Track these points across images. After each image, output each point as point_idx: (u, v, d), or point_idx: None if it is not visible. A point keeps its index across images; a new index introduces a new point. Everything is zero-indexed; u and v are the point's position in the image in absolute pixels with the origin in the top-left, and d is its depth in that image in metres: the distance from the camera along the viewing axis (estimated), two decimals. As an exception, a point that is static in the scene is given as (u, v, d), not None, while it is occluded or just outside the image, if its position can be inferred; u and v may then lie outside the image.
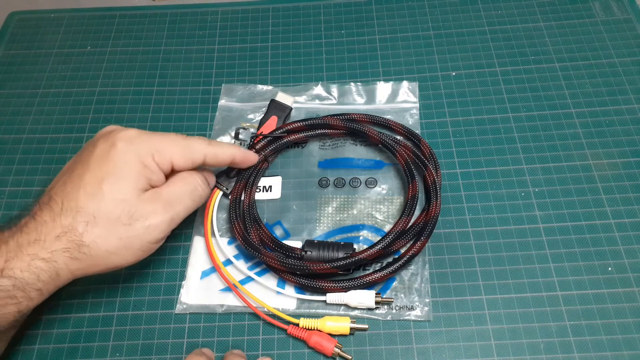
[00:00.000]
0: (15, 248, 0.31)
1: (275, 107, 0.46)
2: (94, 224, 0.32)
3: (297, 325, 0.36)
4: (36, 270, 0.31)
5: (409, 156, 0.41)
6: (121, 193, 0.33)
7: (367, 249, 0.36)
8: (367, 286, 0.37)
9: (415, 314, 0.37)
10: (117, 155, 0.34)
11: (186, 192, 0.36)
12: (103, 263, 0.33)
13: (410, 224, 0.38)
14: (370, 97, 0.47)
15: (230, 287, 0.38)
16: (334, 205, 0.42)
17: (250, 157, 0.41)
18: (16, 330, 0.36)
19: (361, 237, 0.40)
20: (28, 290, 0.31)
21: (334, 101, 0.47)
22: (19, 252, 0.31)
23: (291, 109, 0.46)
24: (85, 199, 0.32)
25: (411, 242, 0.38)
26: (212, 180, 0.40)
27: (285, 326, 0.36)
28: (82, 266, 0.32)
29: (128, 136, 0.35)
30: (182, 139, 0.36)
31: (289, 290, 0.38)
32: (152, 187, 0.35)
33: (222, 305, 0.38)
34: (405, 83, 0.48)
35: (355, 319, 0.36)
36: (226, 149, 0.38)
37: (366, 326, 0.36)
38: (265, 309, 0.37)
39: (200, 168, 0.38)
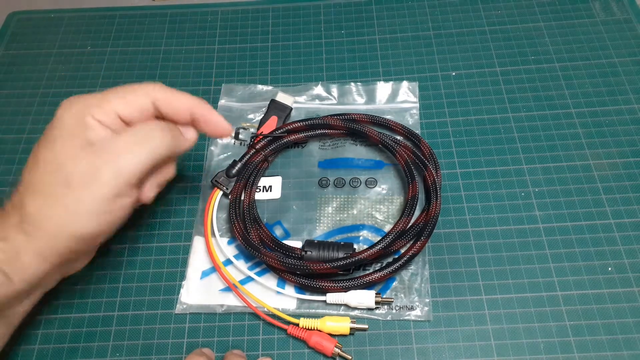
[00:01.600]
0: None
1: (275, 107, 0.46)
2: (34, 193, 0.30)
3: (297, 325, 0.36)
4: None
5: (409, 156, 0.41)
6: (54, 156, 0.31)
7: (367, 249, 0.36)
8: (367, 286, 0.37)
9: (415, 314, 0.37)
10: (55, 121, 0.32)
11: (134, 139, 0.32)
12: (60, 235, 0.30)
13: (410, 224, 0.38)
14: (370, 97, 0.47)
15: (230, 287, 0.38)
16: (334, 205, 0.42)
17: (213, 119, 0.35)
18: (11, 330, 0.34)
19: (361, 237, 0.40)
20: None
21: (334, 101, 0.47)
22: None
23: (291, 109, 0.46)
24: (27, 171, 0.32)
25: (411, 242, 0.38)
26: (189, 132, 0.35)
27: (285, 326, 0.36)
28: (40, 243, 0.30)
29: (67, 102, 0.32)
30: (128, 87, 0.33)
31: (289, 290, 0.38)
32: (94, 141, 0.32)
33: (222, 305, 0.38)
34: (405, 83, 0.48)
35: (355, 319, 0.36)
36: (183, 97, 0.34)
37: (366, 326, 0.36)
38: (265, 309, 0.37)
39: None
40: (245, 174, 0.42)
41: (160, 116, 0.35)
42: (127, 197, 0.32)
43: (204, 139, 0.46)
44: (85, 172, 0.30)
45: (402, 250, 0.37)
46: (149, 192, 0.35)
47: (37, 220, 0.30)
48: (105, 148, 0.31)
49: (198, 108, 0.35)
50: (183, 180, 0.44)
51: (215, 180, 0.42)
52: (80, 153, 0.31)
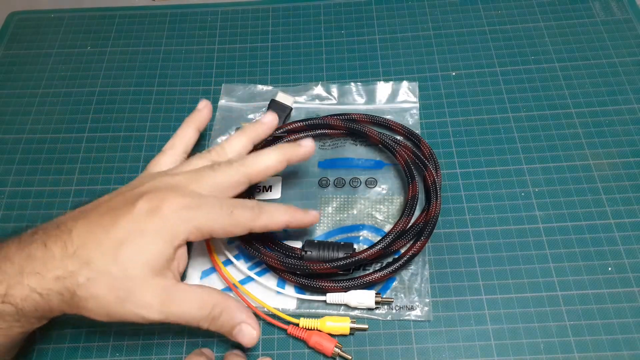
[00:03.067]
0: (18, 273, 0.30)
1: (275, 107, 0.46)
2: (93, 284, 0.30)
3: (297, 325, 0.36)
4: (33, 303, 0.30)
5: (409, 156, 0.41)
6: (132, 268, 0.31)
7: (367, 249, 0.36)
8: (367, 286, 0.37)
9: (415, 314, 0.37)
10: (151, 225, 0.31)
11: (195, 307, 0.32)
12: (93, 317, 0.32)
13: (410, 224, 0.38)
14: (370, 97, 0.47)
15: (230, 287, 0.38)
16: (334, 205, 0.42)
17: (307, 219, 0.36)
18: (21, 346, 0.35)
19: (361, 237, 0.40)
20: (28, 317, 0.31)
21: (334, 101, 0.47)
22: (20, 280, 0.30)
23: (291, 109, 0.46)
24: (98, 255, 0.31)
25: (411, 242, 0.38)
26: (250, 326, 0.34)
27: (285, 326, 0.36)
28: (73, 309, 0.31)
29: (174, 207, 0.32)
30: (228, 215, 0.33)
31: (289, 290, 0.38)
32: (173, 271, 0.33)
33: (222, 305, 0.38)
34: (405, 83, 0.48)
35: (355, 319, 0.36)
36: (278, 216, 0.35)
37: (366, 326, 0.36)
38: (265, 309, 0.37)
39: None
40: (245, 174, 0.42)
41: None
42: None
43: (205, 139, 0.46)
44: (141, 302, 0.31)
45: (402, 250, 0.37)
46: None
47: (81, 303, 0.31)
48: (171, 292, 0.32)
49: (294, 221, 0.36)
50: (183, 180, 0.44)
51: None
52: (154, 281, 0.31)
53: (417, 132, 0.44)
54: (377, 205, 0.42)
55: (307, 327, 0.36)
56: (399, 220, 0.38)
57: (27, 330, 0.32)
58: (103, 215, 0.32)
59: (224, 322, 0.33)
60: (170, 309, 0.31)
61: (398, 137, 0.44)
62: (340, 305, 0.37)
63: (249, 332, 0.33)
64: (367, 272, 0.37)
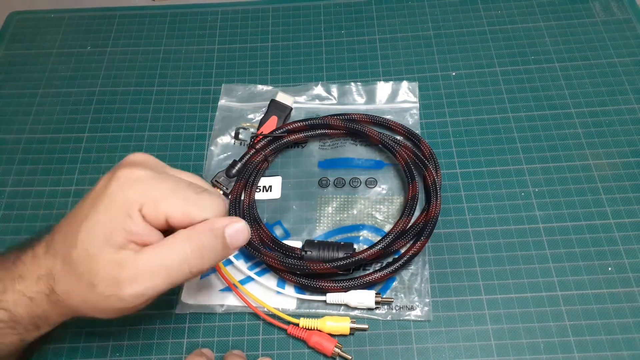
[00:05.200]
0: (10, 279, 0.30)
1: (275, 107, 0.46)
2: (65, 275, 0.29)
3: (297, 325, 0.36)
4: (26, 308, 0.30)
5: (409, 156, 0.41)
6: (91, 247, 0.28)
7: (367, 249, 0.36)
8: (367, 286, 0.37)
9: (415, 314, 0.37)
10: (105, 197, 0.29)
11: (166, 263, 0.28)
12: (82, 314, 0.30)
13: (410, 224, 0.38)
14: (370, 97, 0.47)
15: (230, 287, 0.38)
16: (334, 205, 0.42)
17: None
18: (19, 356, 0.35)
19: (361, 237, 0.40)
20: (24, 323, 0.30)
21: (334, 101, 0.47)
22: (12, 286, 0.30)
23: (291, 109, 0.46)
24: (64, 244, 0.29)
25: (411, 242, 0.38)
26: (237, 235, 0.30)
27: (285, 326, 0.36)
28: (66, 312, 0.30)
29: (127, 176, 0.29)
30: (193, 192, 0.30)
31: (289, 290, 0.38)
32: (137, 243, 0.29)
33: (222, 305, 0.38)
34: (405, 83, 0.48)
35: (355, 319, 0.36)
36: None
37: (366, 326, 0.36)
38: (265, 309, 0.37)
39: None
40: (245, 174, 0.42)
41: None
42: (143, 305, 0.30)
43: (205, 139, 0.46)
44: (109, 283, 0.28)
45: (402, 250, 0.37)
46: None
47: (64, 300, 0.30)
48: (139, 263, 0.28)
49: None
50: (183, 180, 0.44)
51: (215, 180, 0.42)
52: (117, 255, 0.28)
53: (417, 132, 0.44)
54: (377, 205, 0.42)
55: (307, 327, 0.36)
56: (399, 220, 0.38)
57: (25, 339, 0.32)
58: (77, 206, 0.31)
59: (206, 260, 0.29)
60: (144, 277, 0.28)
61: (398, 137, 0.44)
62: (340, 305, 0.37)
63: (236, 231, 0.30)
64: (367, 272, 0.37)
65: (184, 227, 0.29)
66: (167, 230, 0.30)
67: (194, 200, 0.29)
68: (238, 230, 0.30)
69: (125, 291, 0.28)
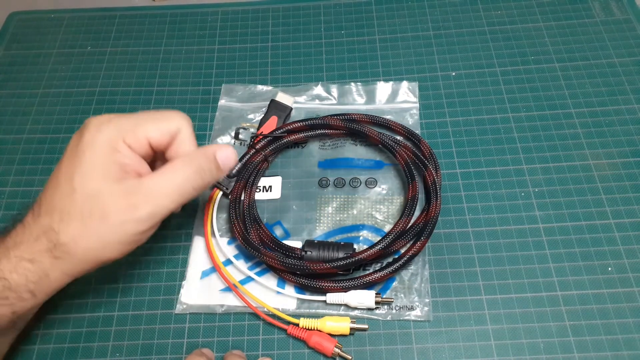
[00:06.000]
0: (3, 250, 0.31)
1: (275, 107, 0.46)
2: (69, 222, 0.31)
3: (297, 325, 0.36)
4: (24, 272, 0.30)
5: (409, 156, 0.41)
6: (92, 186, 0.31)
7: (367, 249, 0.36)
8: (367, 286, 0.37)
9: (415, 314, 0.37)
10: (85, 145, 0.31)
11: (174, 183, 0.32)
12: (89, 260, 0.32)
13: (410, 224, 0.38)
14: (370, 97, 0.47)
15: (230, 287, 0.38)
16: (334, 205, 0.42)
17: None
18: (17, 334, 0.36)
19: (361, 237, 0.40)
20: (19, 292, 0.31)
21: (334, 101, 0.47)
22: (6, 254, 0.30)
23: (291, 109, 0.46)
24: (60, 197, 0.31)
25: (411, 242, 0.38)
26: (227, 158, 0.35)
27: (285, 326, 0.36)
28: (69, 265, 0.31)
29: (96, 123, 0.32)
30: (159, 113, 0.34)
31: (289, 290, 0.38)
32: (132, 174, 0.32)
33: (222, 305, 0.38)
34: (405, 83, 0.48)
35: (355, 319, 0.36)
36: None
37: (366, 326, 0.36)
38: (265, 309, 0.37)
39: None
40: (245, 174, 0.42)
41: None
42: (154, 229, 0.33)
43: (205, 139, 0.46)
44: (123, 208, 0.31)
45: (402, 251, 0.37)
46: None
47: (69, 249, 0.31)
48: (144, 186, 0.32)
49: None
50: (183, 180, 0.44)
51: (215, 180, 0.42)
52: (120, 186, 0.31)
53: (417, 132, 0.44)
54: (377, 205, 0.42)
55: (307, 327, 0.36)
56: (399, 220, 0.38)
57: (16, 311, 0.31)
58: (57, 168, 0.33)
59: (205, 179, 0.34)
60: (153, 198, 0.31)
61: (398, 137, 0.44)
62: (340, 305, 0.37)
63: (226, 155, 0.35)
64: (367, 272, 0.37)
65: (166, 148, 0.34)
66: (153, 162, 0.35)
67: (161, 118, 0.34)
68: (228, 154, 0.35)
69: (141, 211, 0.31)
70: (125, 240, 0.32)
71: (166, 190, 0.32)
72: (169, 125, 0.34)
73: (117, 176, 0.31)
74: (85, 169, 0.31)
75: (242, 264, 0.39)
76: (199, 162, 0.34)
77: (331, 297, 0.37)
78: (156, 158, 0.36)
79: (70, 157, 0.32)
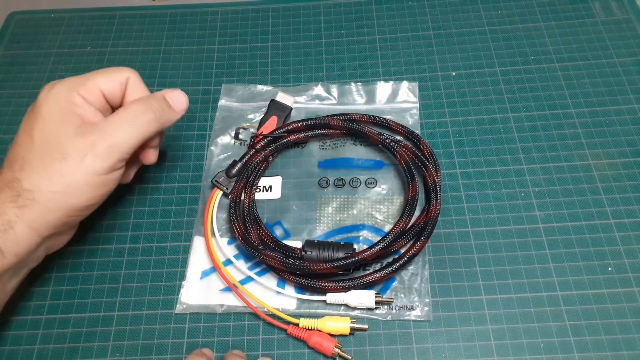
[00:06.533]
0: None
1: (275, 107, 0.46)
2: (30, 168, 0.32)
3: (297, 325, 0.36)
4: None
5: (409, 156, 0.41)
6: (50, 133, 0.33)
7: (367, 249, 0.36)
8: (367, 286, 0.37)
9: (415, 314, 0.37)
10: (40, 102, 0.34)
11: (127, 118, 0.35)
12: (56, 207, 0.32)
13: (410, 224, 0.38)
14: (370, 97, 0.47)
15: (230, 287, 0.38)
16: (334, 205, 0.42)
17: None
18: (2, 304, 0.34)
19: (361, 237, 0.40)
20: None
21: (334, 101, 0.47)
22: None
23: (291, 109, 0.46)
24: (20, 149, 0.33)
25: (411, 242, 0.38)
26: (177, 99, 0.38)
27: (285, 326, 0.36)
28: (35, 215, 0.32)
29: (50, 84, 0.35)
30: (102, 69, 0.37)
31: (289, 290, 0.38)
32: (88, 123, 0.34)
33: (222, 305, 0.38)
34: (405, 83, 0.48)
35: (355, 319, 0.36)
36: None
37: (366, 326, 0.36)
38: (265, 309, 0.37)
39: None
40: (245, 174, 0.42)
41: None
42: (118, 170, 0.35)
43: (205, 139, 0.46)
44: (81, 147, 0.33)
45: (402, 251, 0.37)
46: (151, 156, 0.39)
47: (33, 195, 0.32)
48: (99, 126, 0.34)
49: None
50: (183, 180, 0.44)
51: (215, 180, 0.42)
52: (76, 130, 0.33)
53: (417, 132, 0.44)
54: (377, 205, 0.42)
55: (307, 327, 0.36)
56: (399, 220, 0.38)
57: None
58: (13, 143, 0.34)
59: (158, 117, 0.36)
60: (107, 133, 0.33)
61: (398, 137, 0.44)
62: (340, 305, 0.37)
63: (175, 97, 0.38)
64: (367, 272, 0.37)
65: (119, 100, 0.37)
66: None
67: (109, 70, 0.36)
68: (177, 95, 0.38)
69: (98, 147, 0.33)
70: (89, 182, 0.33)
71: (121, 125, 0.34)
72: (118, 75, 0.36)
73: (74, 123, 0.33)
74: (42, 120, 0.33)
75: (242, 264, 0.39)
76: (149, 100, 0.36)
77: (331, 297, 0.37)
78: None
79: (27, 116, 0.34)
